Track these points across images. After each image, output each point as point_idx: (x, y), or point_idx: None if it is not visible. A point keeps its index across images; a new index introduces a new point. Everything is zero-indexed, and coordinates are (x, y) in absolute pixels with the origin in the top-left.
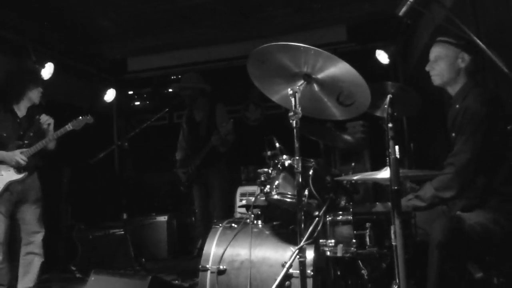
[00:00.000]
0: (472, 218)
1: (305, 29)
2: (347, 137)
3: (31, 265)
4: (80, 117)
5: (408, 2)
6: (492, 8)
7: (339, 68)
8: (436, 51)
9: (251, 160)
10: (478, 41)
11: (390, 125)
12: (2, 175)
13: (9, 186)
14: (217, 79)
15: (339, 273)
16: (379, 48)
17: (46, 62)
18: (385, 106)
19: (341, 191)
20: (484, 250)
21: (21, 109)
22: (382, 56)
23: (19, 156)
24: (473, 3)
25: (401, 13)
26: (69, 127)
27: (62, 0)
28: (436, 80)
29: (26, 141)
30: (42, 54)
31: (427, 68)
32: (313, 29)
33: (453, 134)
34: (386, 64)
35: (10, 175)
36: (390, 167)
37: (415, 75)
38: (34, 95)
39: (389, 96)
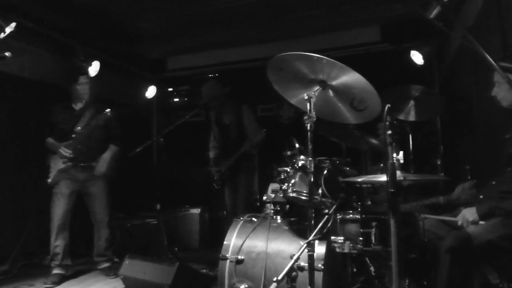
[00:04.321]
0: (483, 235)
1: (338, 30)
2: (372, 139)
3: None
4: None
5: (438, 8)
6: None
7: (351, 77)
8: (496, 77)
9: (284, 158)
10: (489, 57)
11: (389, 132)
12: None
13: None
14: (251, 78)
15: (355, 270)
16: (414, 49)
17: (92, 61)
18: (385, 114)
19: (352, 191)
20: (493, 259)
21: (77, 105)
22: (417, 57)
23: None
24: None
25: (432, 15)
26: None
27: (107, 5)
28: (503, 103)
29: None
30: (89, 53)
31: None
32: (346, 29)
33: None
34: (421, 65)
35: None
36: (387, 172)
37: (449, 77)
38: (78, 90)
39: (387, 106)
